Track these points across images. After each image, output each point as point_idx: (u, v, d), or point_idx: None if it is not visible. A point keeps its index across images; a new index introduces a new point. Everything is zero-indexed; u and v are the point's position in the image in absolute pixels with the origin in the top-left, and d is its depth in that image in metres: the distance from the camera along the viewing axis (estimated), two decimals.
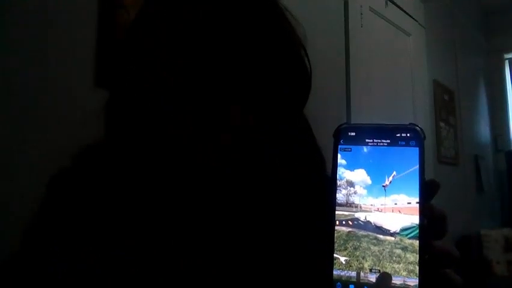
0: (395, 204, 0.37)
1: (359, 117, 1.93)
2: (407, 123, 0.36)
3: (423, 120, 2.49)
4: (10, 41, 0.87)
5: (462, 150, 3.20)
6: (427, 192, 0.36)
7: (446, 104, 3.03)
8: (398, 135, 0.36)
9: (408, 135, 0.36)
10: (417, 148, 0.36)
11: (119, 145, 0.50)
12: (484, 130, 3.80)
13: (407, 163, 0.36)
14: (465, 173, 3.23)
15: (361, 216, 0.37)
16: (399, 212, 0.37)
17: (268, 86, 0.47)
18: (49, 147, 0.90)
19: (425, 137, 0.36)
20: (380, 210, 0.37)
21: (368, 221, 0.37)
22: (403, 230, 0.36)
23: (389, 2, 2.25)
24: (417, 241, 0.35)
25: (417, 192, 0.36)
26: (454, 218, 2.85)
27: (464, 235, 2.92)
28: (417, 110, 2.43)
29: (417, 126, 0.36)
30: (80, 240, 0.46)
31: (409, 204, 0.36)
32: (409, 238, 0.36)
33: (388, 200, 0.37)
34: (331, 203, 0.37)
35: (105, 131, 0.51)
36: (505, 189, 3.79)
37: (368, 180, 0.37)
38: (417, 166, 0.36)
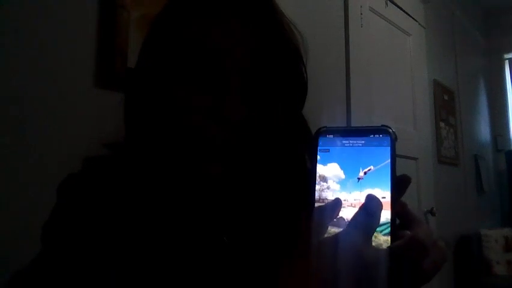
0: None
1: (359, 117, 1.93)
2: (379, 124, 0.39)
3: (423, 120, 2.49)
4: (10, 41, 0.87)
5: (462, 150, 3.20)
6: (398, 188, 0.36)
7: (446, 104, 3.04)
8: (372, 136, 0.38)
9: (381, 136, 0.38)
10: (389, 147, 0.37)
11: (125, 151, 0.52)
12: (484, 130, 3.80)
13: (380, 160, 0.37)
14: (465, 173, 3.23)
15: None
16: None
17: (265, 88, 0.48)
18: (48, 147, 0.90)
19: (396, 137, 0.38)
20: (353, 205, 0.37)
21: (341, 217, 0.37)
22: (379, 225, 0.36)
23: (389, 2, 2.25)
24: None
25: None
26: (454, 218, 2.85)
27: (464, 235, 2.93)
28: (417, 110, 2.43)
29: (389, 127, 0.38)
30: (93, 243, 0.46)
31: (384, 199, 0.36)
32: (384, 235, 0.36)
33: (362, 195, 0.37)
34: (310, 201, 0.38)
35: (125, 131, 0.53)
36: (505, 189, 3.79)
37: (342, 175, 0.38)
38: (389, 160, 0.37)
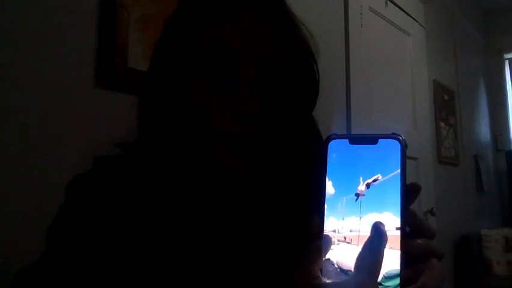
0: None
1: (359, 117, 1.93)
2: (390, 133, 0.33)
3: (423, 120, 2.49)
4: (10, 40, 0.87)
5: (462, 150, 3.20)
6: (409, 200, 0.29)
7: (446, 104, 3.03)
8: (380, 144, 0.32)
9: (389, 144, 0.31)
10: (399, 158, 0.30)
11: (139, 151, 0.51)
12: (484, 130, 3.80)
13: (387, 171, 0.29)
14: (465, 173, 3.23)
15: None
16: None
17: (281, 86, 0.48)
18: (48, 147, 0.90)
19: (406, 146, 0.32)
20: (348, 240, 0.26)
21: (328, 259, 0.26)
22: (388, 277, 0.26)
23: (389, 2, 2.25)
24: None
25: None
26: (454, 218, 2.85)
27: (464, 235, 2.92)
28: (417, 110, 2.43)
29: (399, 135, 0.32)
30: (99, 245, 0.46)
31: (399, 231, 0.26)
32: None
33: (363, 224, 0.26)
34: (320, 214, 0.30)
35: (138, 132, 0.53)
36: (505, 189, 3.79)
37: (330, 189, 0.27)
38: (399, 172, 0.29)
